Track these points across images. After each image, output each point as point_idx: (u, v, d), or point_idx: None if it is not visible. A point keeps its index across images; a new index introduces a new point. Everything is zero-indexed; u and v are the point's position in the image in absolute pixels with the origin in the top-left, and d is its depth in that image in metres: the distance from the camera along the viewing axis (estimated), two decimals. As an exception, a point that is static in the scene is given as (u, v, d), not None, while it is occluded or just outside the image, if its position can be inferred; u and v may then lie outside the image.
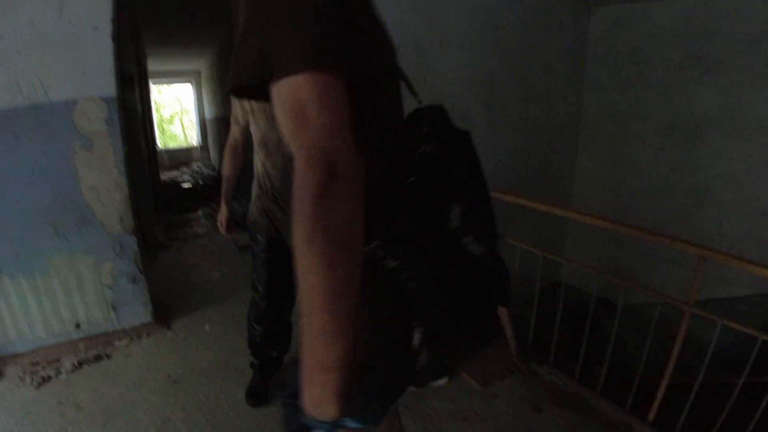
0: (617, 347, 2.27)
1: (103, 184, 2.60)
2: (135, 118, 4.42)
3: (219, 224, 2.15)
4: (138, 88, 5.09)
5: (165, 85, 13.57)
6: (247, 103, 1.86)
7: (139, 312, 2.88)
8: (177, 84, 12.83)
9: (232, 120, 2.06)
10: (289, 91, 0.56)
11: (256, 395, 2.23)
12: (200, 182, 8.03)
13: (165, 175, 9.05)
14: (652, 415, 2.06)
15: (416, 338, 0.83)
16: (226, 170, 2.12)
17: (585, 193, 5.52)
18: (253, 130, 1.91)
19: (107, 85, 2.50)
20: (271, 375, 2.32)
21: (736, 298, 4.24)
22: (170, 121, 16.07)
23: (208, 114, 10.34)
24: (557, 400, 2.23)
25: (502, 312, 2.38)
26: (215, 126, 9.34)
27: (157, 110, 13.88)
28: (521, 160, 4.83)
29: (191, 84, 11.62)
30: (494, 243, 0.80)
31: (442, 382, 2.32)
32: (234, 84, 0.62)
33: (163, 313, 3.07)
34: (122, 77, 2.75)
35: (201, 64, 10.18)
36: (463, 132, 0.90)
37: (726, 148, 4.24)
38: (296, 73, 0.55)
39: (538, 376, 2.41)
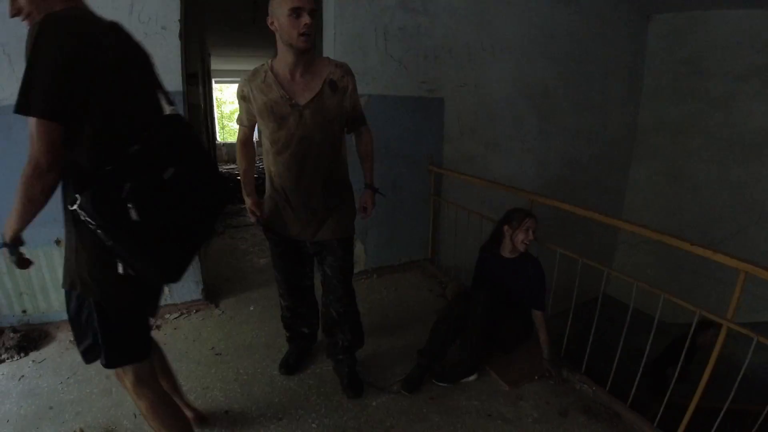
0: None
1: None
2: (198, 113, 4.70)
3: (251, 215, 2.23)
4: (201, 85, 5.42)
5: (226, 84, 14.27)
6: (253, 107, 1.93)
7: (190, 290, 3.10)
8: (238, 83, 13.44)
9: (237, 122, 2.15)
10: (30, 124, 1.06)
11: (288, 366, 2.42)
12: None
13: (223, 168, 9.53)
14: None
15: (120, 267, 1.22)
16: (242, 165, 2.23)
17: (637, 208, 5.32)
18: (262, 130, 1.97)
19: (174, 80, 2.70)
20: (304, 349, 2.52)
21: None
22: (230, 118, 16.91)
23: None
24: (585, 409, 2.19)
25: (536, 315, 2.40)
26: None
27: (218, 107, 14.65)
28: (573, 170, 4.75)
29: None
30: (156, 213, 1.17)
31: (472, 378, 2.36)
32: (15, 109, 1.06)
33: (213, 293, 3.28)
34: (187, 74, 2.97)
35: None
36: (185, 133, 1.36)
37: None
38: (33, 116, 1.05)
39: (569, 383, 2.38)
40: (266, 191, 2.11)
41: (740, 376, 1.80)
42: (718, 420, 1.85)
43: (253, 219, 2.22)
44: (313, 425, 2.05)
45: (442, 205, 3.85)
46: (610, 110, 4.93)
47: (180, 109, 2.69)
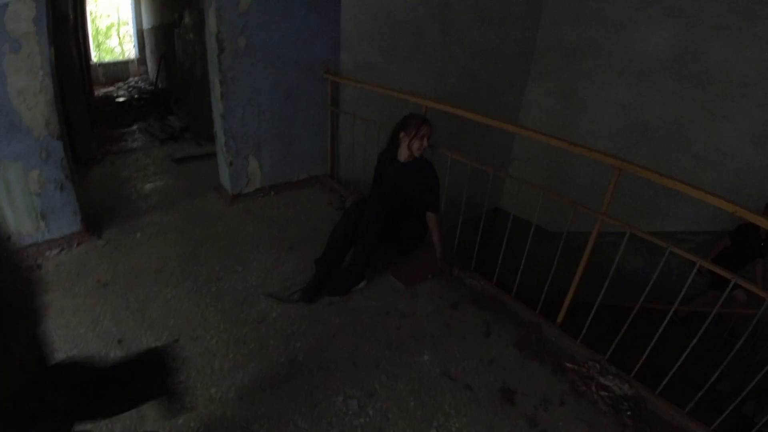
0: (546, 271, 2.40)
1: (30, 88, 2.46)
2: (66, 26, 4.04)
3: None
4: (72, -5, 4.57)
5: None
6: None
7: (69, 221, 2.82)
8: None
9: None
10: None
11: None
12: (135, 96, 7.55)
13: (100, 91, 8.39)
14: (560, 318, 2.24)
15: None
16: None
17: (531, 124, 5.60)
18: None
19: None
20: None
21: (662, 233, 4.57)
22: (107, 34, 14.63)
23: (146, 24, 9.47)
24: (474, 301, 2.41)
25: (430, 217, 2.50)
26: (153, 36, 8.63)
27: (92, 22, 12.56)
28: (471, 84, 4.80)
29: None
30: None
31: (362, 284, 2.44)
32: None
33: (95, 223, 3.01)
34: None
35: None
36: None
37: (673, 91, 4.35)
38: None
39: (460, 279, 2.58)
40: None
41: (613, 268, 2.01)
42: (593, 312, 2.08)
43: None
44: (213, 342, 2.04)
45: (340, 116, 3.73)
46: (510, 27, 4.94)
47: (42, 16, 2.29)
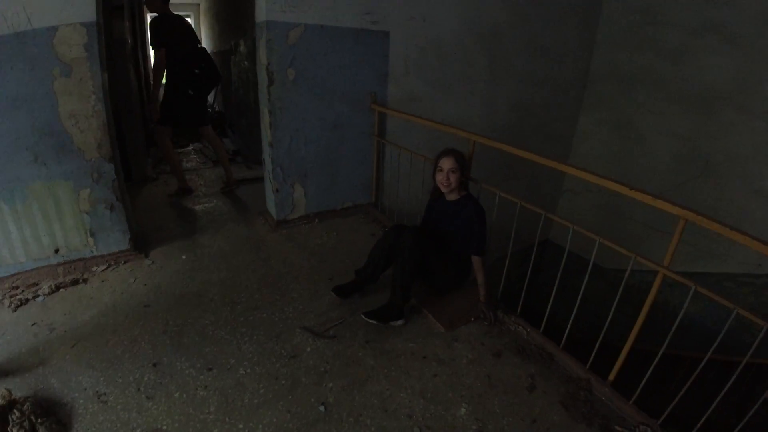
0: (597, 310, 2.21)
1: (81, 111, 2.57)
2: (124, 49, 4.26)
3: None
4: (130, 19, 4.88)
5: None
6: None
7: (117, 240, 2.90)
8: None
9: None
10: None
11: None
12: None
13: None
14: (612, 376, 2.04)
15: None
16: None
17: (582, 156, 5.39)
18: None
19: (88, 10, 2.44)
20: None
21: (723, 275, 4.25)
22: (170, 58, 15.57)
23: (206, 48, 10.03)
24: (519, 350, 2.24)
25: (475, 259, 2.38)
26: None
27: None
28: (520, 115, 4.69)
29: (191, 17, 11.18)
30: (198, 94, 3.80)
31: (399, 323, 2.35)
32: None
33: (143, 242, 3.09)
34: (110, 6, 2.64)
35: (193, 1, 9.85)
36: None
37: (734, 122, 4.09)
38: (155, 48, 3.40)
39: (504, 325, 2.43)
40: None
41: (674, 327, 1.81)
42: (654, 364, 1.90)
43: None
44: (243, 373, 2.00)
45: (386, 147, 3.71)
46: (563, 56, 4.82)
47: (94, 43, 2.43)
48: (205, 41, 10.11)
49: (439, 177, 2.44)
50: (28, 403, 1.75)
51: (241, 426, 1.73)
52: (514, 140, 2.51)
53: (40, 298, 2.52)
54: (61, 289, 2.61)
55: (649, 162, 4.78)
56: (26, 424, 1.68)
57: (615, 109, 5.06)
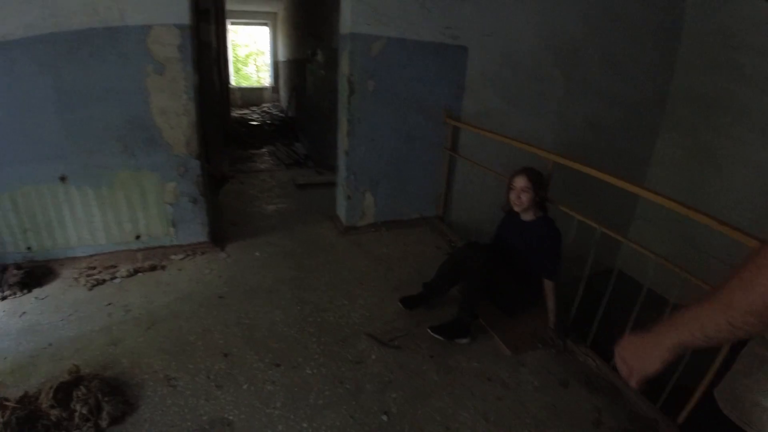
0: None
1: (172, 108, 2.73)
2: (209, 52, 4.54)
3: None
4: (215, 24, 5.20)
5: (242, 26, 13.79)
6: None
7: (196, 231, 3.07)
8: (254, 25, 12.98)
9: None
10: None
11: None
12: (268, 121, 8.27)
13: (236, 113, 9.39)
14: (682, 417, 1.93)
15: None
16: None
17: (658, 181, 5.09)
18: None
19: (182, 13, 2.59)
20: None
21: None
22: (245, 62, 16.45)
23: (281, 56, 10.48)
24: (587, 381, 2.15)
25: (547, 284, 2.32)
26: (287, 69, 9.48)
27: (233, 49, 14.23)
28: (596, 134, 4.53)
29: (267, 26, 11.75)
30: None
31: (464, 341, 2.32)
32: None
33: (219, 236, 3.25)
34: (198, 10, 2.83)
35: (277, 6, 10.26)
36: None
37: None
38: None
39: (573, 354, 2.33)
40: None
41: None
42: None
43: None
44: (310, 373, 2.04)
45: (458, 161, 3.70)
46: (641, 76, 4.61)
47: (187, 45, 2.61)
48: (282, 50, 10.56)
49: (512, 196, 2.41)
50: (96, 381, 1.78)
51: (305, 425, 1.77)
52: (586, 160, 2.43)
53: (117, 280, 2.68)
54: (139, 273, 2.77)
55: (726, 192, 4.45)
56: (91, 401, 1.69)
57: (694, 134, 4.75)
